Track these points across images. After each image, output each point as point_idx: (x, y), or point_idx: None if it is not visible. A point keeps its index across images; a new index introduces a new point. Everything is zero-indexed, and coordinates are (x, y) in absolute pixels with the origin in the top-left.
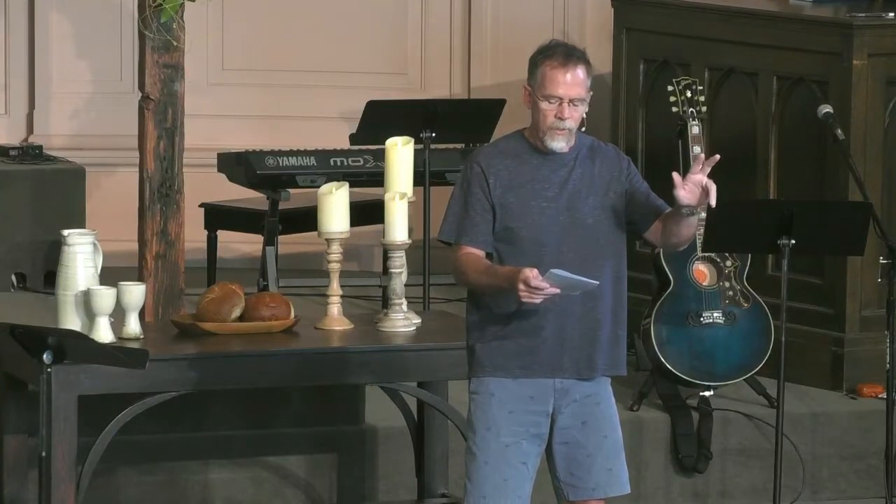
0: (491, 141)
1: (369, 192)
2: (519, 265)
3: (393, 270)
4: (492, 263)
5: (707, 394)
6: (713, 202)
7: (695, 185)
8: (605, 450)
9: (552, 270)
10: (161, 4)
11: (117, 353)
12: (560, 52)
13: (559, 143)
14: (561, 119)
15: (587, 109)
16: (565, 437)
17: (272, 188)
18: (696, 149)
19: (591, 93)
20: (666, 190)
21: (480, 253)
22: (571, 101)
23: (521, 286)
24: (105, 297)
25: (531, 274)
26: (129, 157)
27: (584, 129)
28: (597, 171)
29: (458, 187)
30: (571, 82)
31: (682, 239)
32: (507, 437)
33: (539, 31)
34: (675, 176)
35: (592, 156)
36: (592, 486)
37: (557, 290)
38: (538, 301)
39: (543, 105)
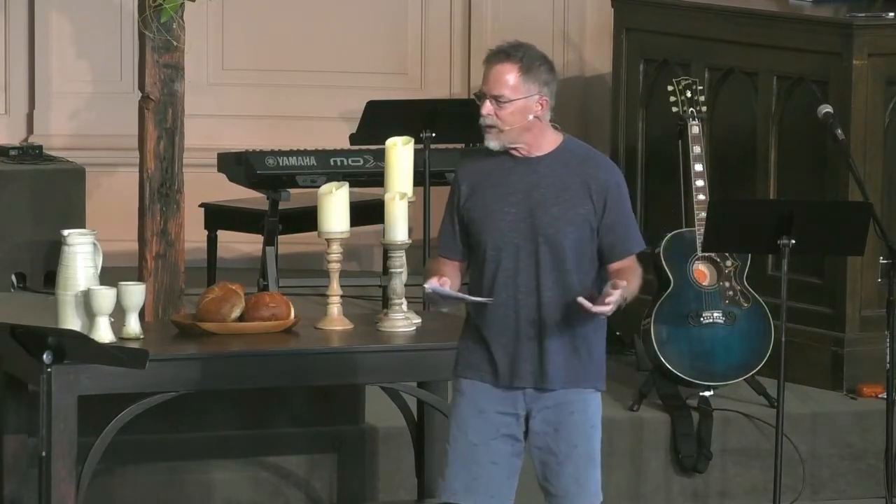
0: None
1: (369, 192)
2: (482, 271)
3: (393, 270)
4: (435, 268)
5: (707, 394)
6: (603, 309)
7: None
8: (575, 460)
9: (425, 286)
10: (161, 4)
11: (117, 353)
12: (492, 50)
13: (490, 142)
14: (481, 115)
15: (535, 113)
16: (539, 442)
17: (272, 188)
18: (697, 149)
19: (544, 98)
20: (666, 190)
21: (451, 262)
22: (494, 98)
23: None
24: (105, 297)
25: (428, 283)
26: (129, 157)
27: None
28: (572, 181)
29: None
30: (491, 78)
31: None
32: (475, 436)
33: (539, 31)
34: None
35: (578, 165)
36: (562, 493)
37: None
38: (444, 310)
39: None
